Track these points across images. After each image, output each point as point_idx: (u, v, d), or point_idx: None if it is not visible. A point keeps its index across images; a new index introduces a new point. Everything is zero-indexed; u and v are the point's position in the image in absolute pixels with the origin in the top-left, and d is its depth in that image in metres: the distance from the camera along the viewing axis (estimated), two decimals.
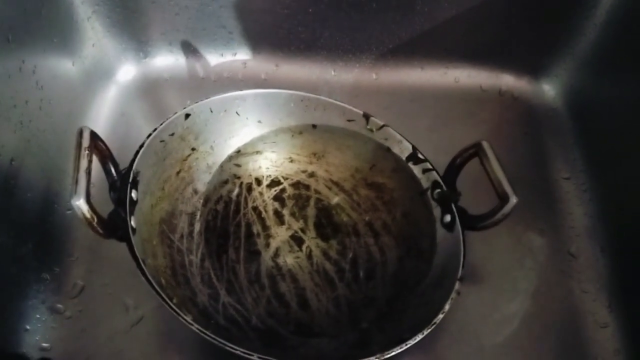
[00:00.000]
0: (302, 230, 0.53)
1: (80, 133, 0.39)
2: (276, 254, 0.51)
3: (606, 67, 0.60)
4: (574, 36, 0.62)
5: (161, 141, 0.47)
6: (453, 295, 0.42)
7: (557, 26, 0.62)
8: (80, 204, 0.36)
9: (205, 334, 0.37)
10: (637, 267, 0.51)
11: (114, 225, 0.39)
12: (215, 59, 0.66)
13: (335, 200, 0.55)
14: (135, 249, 0.39)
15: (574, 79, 0.65)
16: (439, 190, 0.49)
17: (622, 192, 0.55)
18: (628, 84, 0.55)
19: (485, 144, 0.46)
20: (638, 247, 0.51)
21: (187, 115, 0.49)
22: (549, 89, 0.67)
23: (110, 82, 0.63)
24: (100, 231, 0.37)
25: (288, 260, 0.51)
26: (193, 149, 0.51)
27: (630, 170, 0.54)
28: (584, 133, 0.62)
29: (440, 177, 0.49)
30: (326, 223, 0.54)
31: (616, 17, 0.58)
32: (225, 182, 0.54)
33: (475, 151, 0.46)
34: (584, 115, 0.63)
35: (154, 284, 0.38)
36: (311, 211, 0.54)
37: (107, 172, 0.42)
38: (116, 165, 0.43)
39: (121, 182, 0.42)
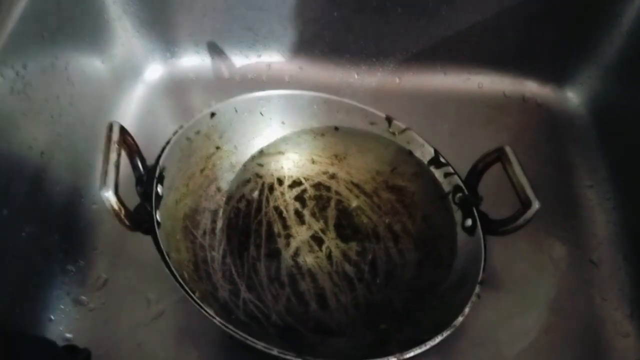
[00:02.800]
0: (322, 230, 0.53)
1: (110, 127, 0.40)
2: (296, 254, 0.51)
3: (631, 75, 0.59)
4: (599, 44, 0.62)
5: (187, 138, 0.48)
6: (473, 298, 0.42)
7: (583, 34, 0.62)
8: (109, 195, 0.36)
9: (228, 327, 0.37)
10: None
11: (140, 218, 0.40)
12: (240, 60, 0.67)
13: (355, 202, 0.55)
14: (160, 243, 0.40)
15: (598, 86, 0.64)
16: (460, 194, 0.49)
17: None
18: None
19: (508, 149, 0.46)
20: None
21: (213, 114, 0.50)
22: (573, 97, 0.67)
23: (137, 81, 0.65)
24: (127, 223, 0.38)
25: (308, 259, 0.51)
26: (217, 148, 0.52)
27: None
28: (608, 141, 0.62)
29: (462, 182, 0.49)
30: (346, 224, 0.54)
31: None
32: (248, 181, 0.55)
33: (497, 156, 0.46)
34: (608, 123, 0.63)
35: (178, 277, 0.38)
36: (331, 212, 0.55)
37: (135, 166, 0.43)
38: (143, 160, 0.43)
39: (148, 176, 0.43)
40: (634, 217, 0.55)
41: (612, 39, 0.61)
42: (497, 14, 0.61)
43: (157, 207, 0.42)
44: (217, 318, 0.37)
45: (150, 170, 0.44)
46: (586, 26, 0.62)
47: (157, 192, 0.43)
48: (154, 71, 0.66)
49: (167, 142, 0.46)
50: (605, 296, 0.52)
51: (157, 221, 0.41)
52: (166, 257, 0.39)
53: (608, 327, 0.50)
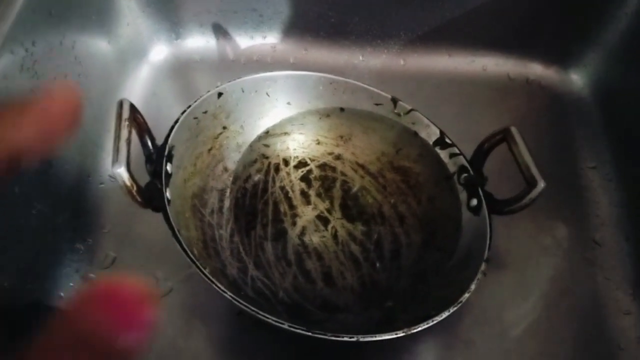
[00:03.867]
0: (328, 210, 0.54)
1: (121, 105, 0.41)
2: (302, 233, 0.52)
3: (636, 57, 0.59)
4: (603, 25, 0.62)
5: (194, 118, 0.48)
6: (479, 275, 0.42)
7: (587, 15, 0.62)
8: (122, 171, 0.37)
9: (239, 302, 0.38)
10: None
11: (150, 195, 0.40)
12: (246, 41, 0.67)
13: (360, 183, 0.56)
14: (171, 219, 0.40)
15: (602, 68, 0.65)
16: (465, 174, 0.49)
17: None
18: None
19: (513, 129, 0.46)
20: None
21: (220, 94, 0.50)
22: (577, 79, 0.67)
23: (143, 62, 0.65)
24: (139, 199, 0.38)
25: (314, 239, 0.52)
26: (224, 128, 0.52)
27: None
28: (611, 123, 0.62)
29: (467, 162, 0.50)
30: (352, 205, 0.54)
31: None
32: (254, 161, 0.55)
33: (503, 136, 0.47)
34: (611, 105, 0.63)
35: (189, 252, 0.39)
36: (337, 192, 0.55)
37: (144, 144, 0.43)
38: (153, 139, 0.44)
39: (157, 155, 0.43)
40: (636, 199, 0.56)
41: (616, 21, 0.61)
42: None
43: (167, 185, 0.42)
44: (229, 293, 0.38)
45: (159, 148, 0.44)
46: (590, 8, 0.62)
47: (166, 170, 0.43)
48: (159, 52, 0.66)
49: (176, 121, 0.46)
50: (607, 275, 0.53)
51: (167, 198, 0.41)
52: (177, 233, 0.39)
53: (610, 306, 0.51)
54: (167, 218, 0.40)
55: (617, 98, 0.62)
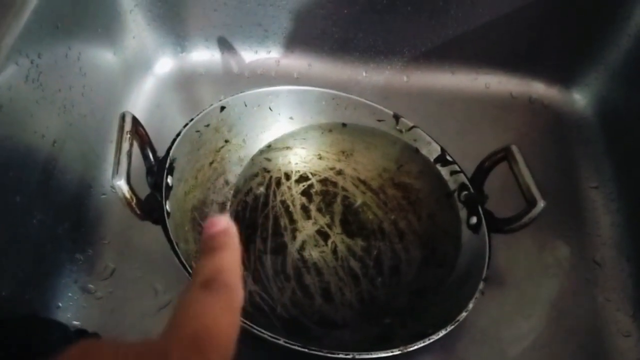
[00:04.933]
0: (328, 225, 0.54)
1: (123, 117, 0.41)
2: (302, 247, 0.52)
3: (638, 78, 0.60)
4: (606, 46, 0.62)
5: (197, 131, 0.49)
6: (477, 294, 0.42)
7: (590, 36, 0.62)
8: (121, 184, 0.37)
9: None
10: None
11: (150, 208, 0.41)
12: (250, 56, 0.68)
13: (361, 198, 0.56)
14: (170, 232, 0.40)
15: (605, 88, 0.65)
16: (466, 192, 0.49)
17: None
18: None
19: (514, 148, 0.46)
20: None
21: (223, 108, 0.51)
22: (579, 98, 0.67)
23: (148, 74, 0.65)
24: (138, 212, 0.39)
25: (313, 253, 0.52)
26: (226, 141, 0.53)
27: None
28: (614, 143, 0.62)
29: (468, 180, 0.50)
30: (352, 220, 0.54)
31: None
32: (256, 175, 0.55)
33: (504, 155, 0.47)
34: (613, 125, 0.63)
35: (187, 266, 0.39)
36: (337, 208, 0.55)
37: (145, 157, 0.44)
38: (154, 151, 0.44)
39: (158, 167, 0.44)
40: (637, 219, 0.55)
41: (619, 42, 0.61)
42: (505, 15, 0.61)
43: (167, 198, 0.43)
44: None
45: (160, 161, 0.44)
46: (593, 28, 0.62)
47: (167, 183, 0.43)
48: (164, 64, 0.67)
49: (178, 134, 0.46)
50: (607, 296, 0.52)
51: (166, 211, 0.42)
52: (175, 246, 0.40)
53: (610, 327, 0.51)
54: (166, 231, 0.40)
55: (619, 118, 0.62)
